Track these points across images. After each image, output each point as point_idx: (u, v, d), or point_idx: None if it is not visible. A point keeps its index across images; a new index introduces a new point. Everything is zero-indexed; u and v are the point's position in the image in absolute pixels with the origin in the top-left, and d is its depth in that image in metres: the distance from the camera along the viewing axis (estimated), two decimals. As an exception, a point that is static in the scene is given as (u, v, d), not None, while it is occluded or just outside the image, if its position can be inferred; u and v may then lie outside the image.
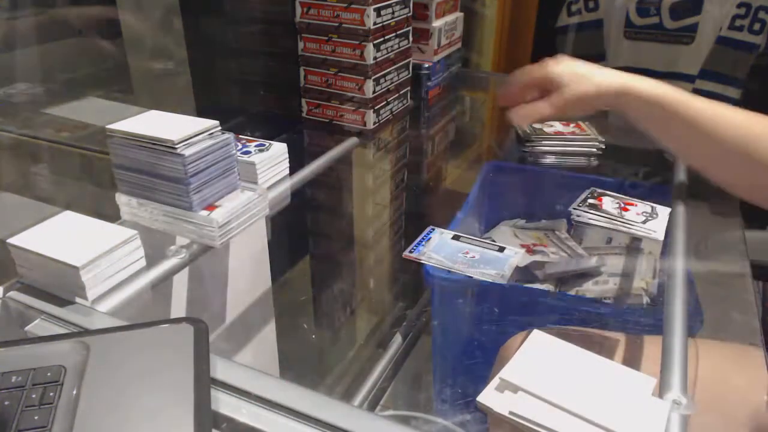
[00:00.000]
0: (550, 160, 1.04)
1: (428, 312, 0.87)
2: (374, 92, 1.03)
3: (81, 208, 0.62)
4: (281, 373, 0.87)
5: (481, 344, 0.72)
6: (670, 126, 0.67)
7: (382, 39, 1.02)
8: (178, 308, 0.66)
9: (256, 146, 0.77)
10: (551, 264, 0.81)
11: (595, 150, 1.05)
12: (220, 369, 0.45)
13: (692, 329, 0.53)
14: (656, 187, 0.88)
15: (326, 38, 1.02)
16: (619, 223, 0.81)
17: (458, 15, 1.29)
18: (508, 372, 0.45)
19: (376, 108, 1.05)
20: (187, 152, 0.59)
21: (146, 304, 0.58)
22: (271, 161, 0.76)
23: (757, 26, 1.57)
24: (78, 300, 0.54)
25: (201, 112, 0.89)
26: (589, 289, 0.79)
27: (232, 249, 0.73)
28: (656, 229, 0.78)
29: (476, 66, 1.88)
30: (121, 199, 0.66)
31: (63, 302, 0.53)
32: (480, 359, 0.72)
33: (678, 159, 0.84)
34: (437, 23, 1.20)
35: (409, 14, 1.09)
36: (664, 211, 0.80)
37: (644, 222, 0.79)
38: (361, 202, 1.06)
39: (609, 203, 0.84)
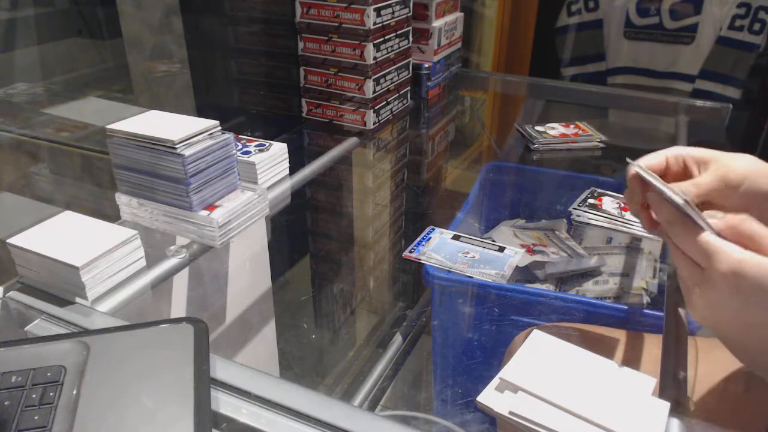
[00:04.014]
0: (552, 159, 1.04)
1: (428, 312, 0.87)
2: (374, 92, 1.03)
3: (81, 208, 0.62)
4: (281, 373, 0.87)
5: (481, 344, 0.72)
6: None
7: (382, 39, 1.02)
8: (178, 308, 0.66)
9: (256, 146, 0.77)
10: (551, 264, 0.81)
11: (596, 150, 1.05)
12: (220, 369, 0.45)
13: (692, 328, 0.53)
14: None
15: (326, 38, 1.02)
16: (619, 223, 0.81)
17: (458, 15, 1.29)
18: (508, 372, 0.45)
19: (376, 108, 1.05)
20: (187, 152, 0.59)
21: (146, 304, 0.58)
22: (271, 161, 0.76)
23: (757, 26, 1.57)
24: (78, 300, 0.53)
25: (201, 112, 0.89)
26: (589, 289, 0.79)
27: (232, 249, 0.73)
28: (656, 229, 0.78)
29: (476, 66, 1.88)
30: (121, 199, 0.66)
31: (63, 302, 0.53)
32: (480, 359, 0.72)
33: None
34: (437, 23, 1.20)
35: (409, 14, 1.09)
36: (664, 211, 0.80)
37: (644, 222, 0.79)
38: (361, 202, 1.06)
39: (609, 203, 0.84)
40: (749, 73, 1.63)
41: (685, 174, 0.53)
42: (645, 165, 0.52)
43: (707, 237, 0.43)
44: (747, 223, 0.42)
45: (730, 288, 0.41)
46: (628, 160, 0.52)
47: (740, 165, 0.50)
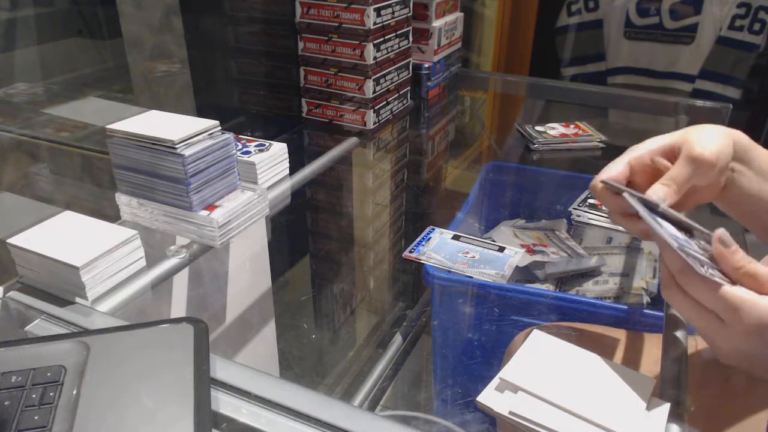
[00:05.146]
0: (552, 159, 1.04)
1: (428, 312, 0.87)
2: (374, 92, 1.03)
3: (81, 208, 0.62)
4: (281, 373, 0.87)
5: (481, 344, 0.72)
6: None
7: (382, 39, 1.02)
8: (178, 308, 0.66)
9: (256, 146, 0.77)
10: (551, 264, 0.81)
11: (596, 150, 1.05)
12: (220, 369, 0.45)
13: (692, 328, 0.53)
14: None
15: (326, 38, 1.02)
16: (619, 223, 0.80)
17: (458, 15, 1.29)
18: (508, 372, 0.45)
19: (376, 108, 1.05)
20: (187, 152, 0.59)
21: (146, 304, 0.58)
22: (271, 161, 0.76)
23: (757, 26, 1.57)
24: (78, 300, 0.53)
25: (201, 112, 0.89)
26: (589, 288, 0.79)
27: (232, 249, 0.73)
28: (656, 229, 0.78)
29: (476, 66, 1.88)
30: (121, 199, 0.66)
31: (63, 302, 0.53)
32: (480, 359, 0.72)
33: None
34: (437, 23, 1.20)
35: (409, 14, 1.09)
36: (664, 211, 0.80)
37: (644, 222, 0.79)
38: (361, 202, 1.06)
39: (609, 203, 0.84)
40: (749, 73, 1.63)
41: (658, 173, 0.48)
42: (607, 178, 0.49)
43: (731, 290, 0.41)
44: (753, 264, 0.41)
45: (761, 338, 0.40)
46: (598, 179, 0.49)
47: (710, 139, 0.47)
